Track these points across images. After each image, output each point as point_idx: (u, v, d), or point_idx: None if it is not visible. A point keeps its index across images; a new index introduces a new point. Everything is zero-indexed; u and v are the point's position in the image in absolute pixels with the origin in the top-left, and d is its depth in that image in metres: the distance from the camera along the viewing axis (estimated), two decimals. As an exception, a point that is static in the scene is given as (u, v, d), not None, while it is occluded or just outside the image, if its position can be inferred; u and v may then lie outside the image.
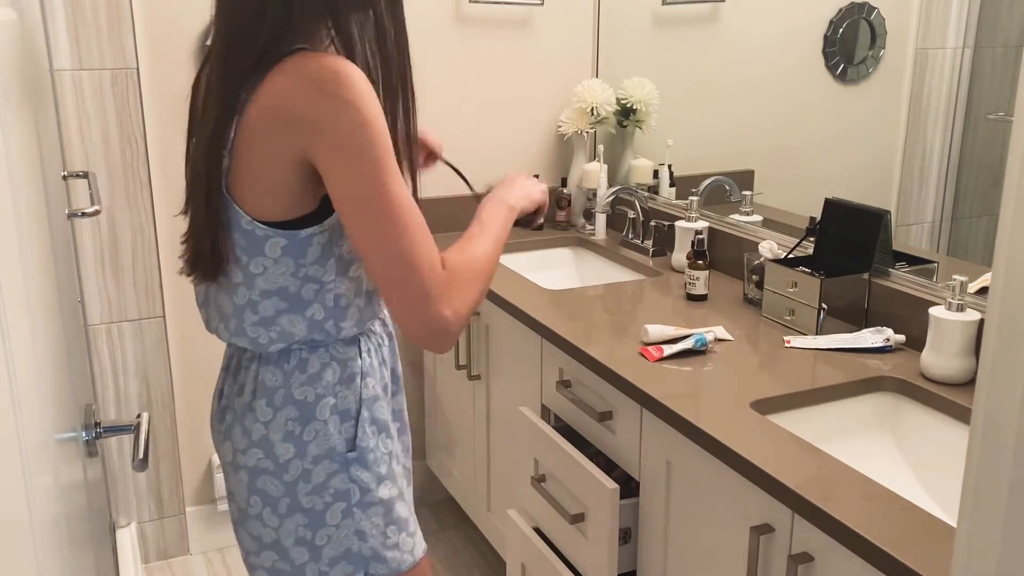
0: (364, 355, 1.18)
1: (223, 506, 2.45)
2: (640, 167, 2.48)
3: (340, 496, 1.15)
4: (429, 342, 1.07)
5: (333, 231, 1.09)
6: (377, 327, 1.22)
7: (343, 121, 0.99)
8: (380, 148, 1.00)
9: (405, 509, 1.22)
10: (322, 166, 1.01)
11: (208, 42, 1.15)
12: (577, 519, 1.61)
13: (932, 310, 1.50)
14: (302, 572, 1.17)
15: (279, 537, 1.16)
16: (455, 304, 1.06)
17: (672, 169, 2.40)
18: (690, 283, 1.94)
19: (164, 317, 2.31)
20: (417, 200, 1.09)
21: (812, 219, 1.85)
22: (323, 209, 1.08)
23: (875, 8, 1.81)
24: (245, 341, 1.14)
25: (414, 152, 1.15)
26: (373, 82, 1.05)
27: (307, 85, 0.99)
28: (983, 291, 1.56)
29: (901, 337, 1.63)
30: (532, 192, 1.33)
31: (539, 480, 1.75)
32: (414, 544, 1.22)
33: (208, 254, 1.14)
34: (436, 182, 2.46)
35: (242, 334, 1.14)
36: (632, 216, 2.35)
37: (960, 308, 1.47)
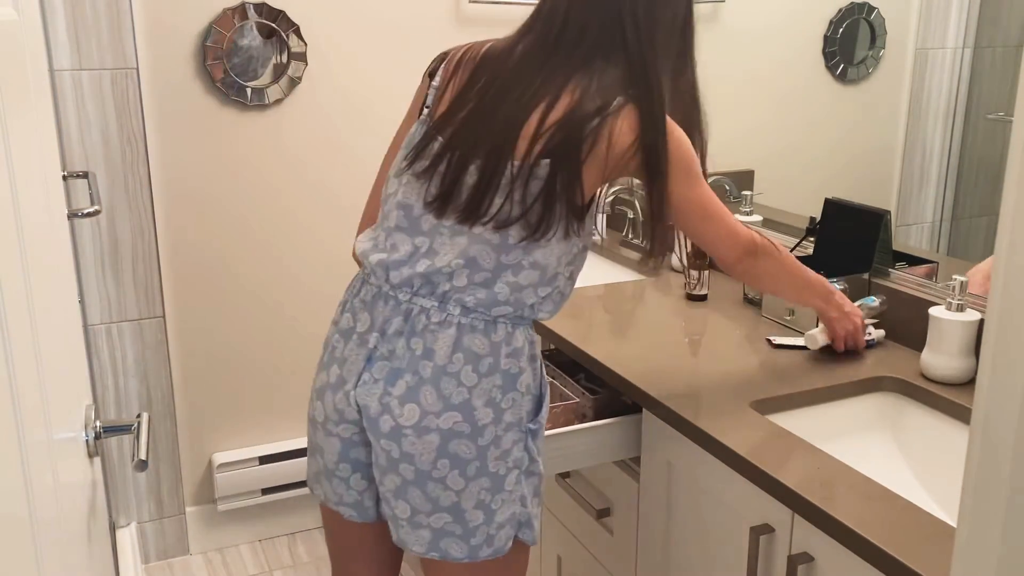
0: (537, 341, 1.33)
1: (223, 506, 2.45)
2: (640, 167, 2.48)
3: (517, 463, 1.26)
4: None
5: (587, 229, 1.26)
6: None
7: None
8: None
9: (543, 485, 1.33)
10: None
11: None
12: (603, 514, 1.61)
13: (932, 310, 1.50)
14: (473, 533, 1.24)
15: (460, 500, 1.23)
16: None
17: (672, 169, 2.40)
18: (690, 283, 1.94)
19: (164, 317, 2.31)
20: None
21: (812, 219, 1.85)
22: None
23: (875, 8, 1.81)
24: (471, 300, 1.22)
25: None
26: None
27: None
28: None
29: (881, 332, 1.63)
30: (855, 317, 1.56)
31: (563, 476, 1.75)
32: (538, 516, 1.33)
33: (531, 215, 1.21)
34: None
35: (477, 289, 1.22)
36: (632, 216, 2.35)
37: (960, 308, 1.47)
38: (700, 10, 2.32)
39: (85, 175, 1.86)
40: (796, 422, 1.44)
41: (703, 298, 1.94)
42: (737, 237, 1.34)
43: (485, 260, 1.22)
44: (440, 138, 1.25)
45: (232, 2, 2.21)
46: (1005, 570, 0.54)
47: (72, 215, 1.68)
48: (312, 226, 2.42)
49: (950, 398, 1.43)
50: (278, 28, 2.25)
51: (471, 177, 1.21)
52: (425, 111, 1.31)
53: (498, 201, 1.20)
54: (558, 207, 1.20)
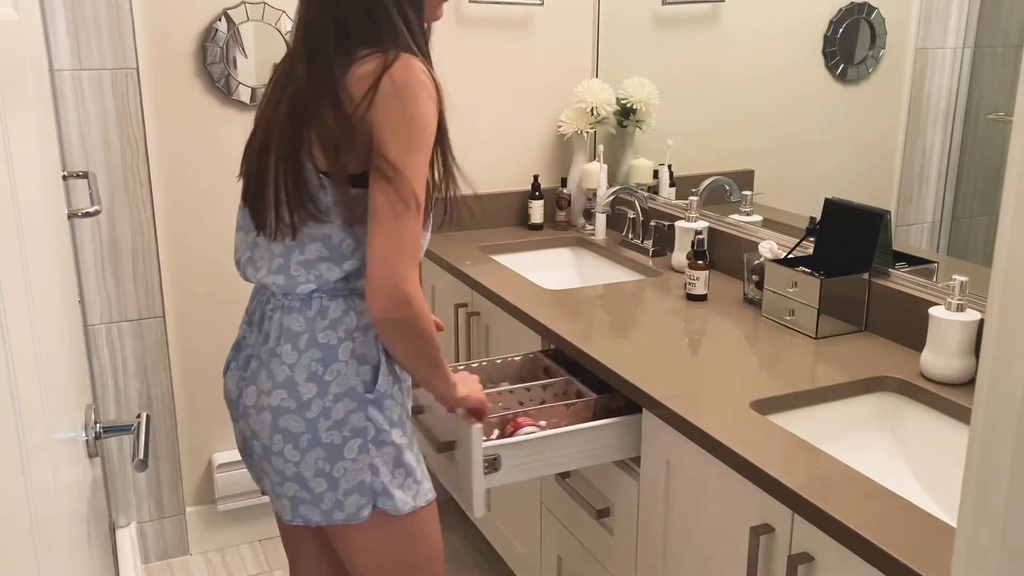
0: None
1: (223, 506, 2.45)
2: (640, 167, 2.48)
3: (357, 432, 1.27)
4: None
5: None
6: None
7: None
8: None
9: (412, 458, 1.33)
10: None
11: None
12: (603, 514, 1.61)
13: (932, 310, 1.50)
14: (320, 499, 1.28)
15: (300, 470, 1.27)
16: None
17: (672, 169, 2.40)
18: (690, 283, 1.94)
19: (164, 317, 2.31)
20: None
21: (812, 219, 1.85)
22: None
23: (875, 8, 1.81)
24: (282, 279, 1.27)
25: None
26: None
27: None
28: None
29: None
30: (475, 391, 1.42)
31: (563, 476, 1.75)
32: (418, 491, 1.33)
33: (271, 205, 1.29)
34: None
35: (283, 271, 1.27)
36: (632, 216, 2.35)
37: (960, 308, 1.47)
38: (700, 10, 2.32)
39: (85, 175, 1.86)
40: (796, 422, 1.43)
41: (703, 298, 1.94)
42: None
43: (273, 245, 1.30)
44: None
45: (232, 2, 2.20)
46: (1005, 570, 0.54)
47: (72, 215, 1.68)
48: (312, 226, 2.42)
49: (950, 398, 1.43)
50: (278, 28, 2.25)
51: None
52: None
53: None
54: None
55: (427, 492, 1.36)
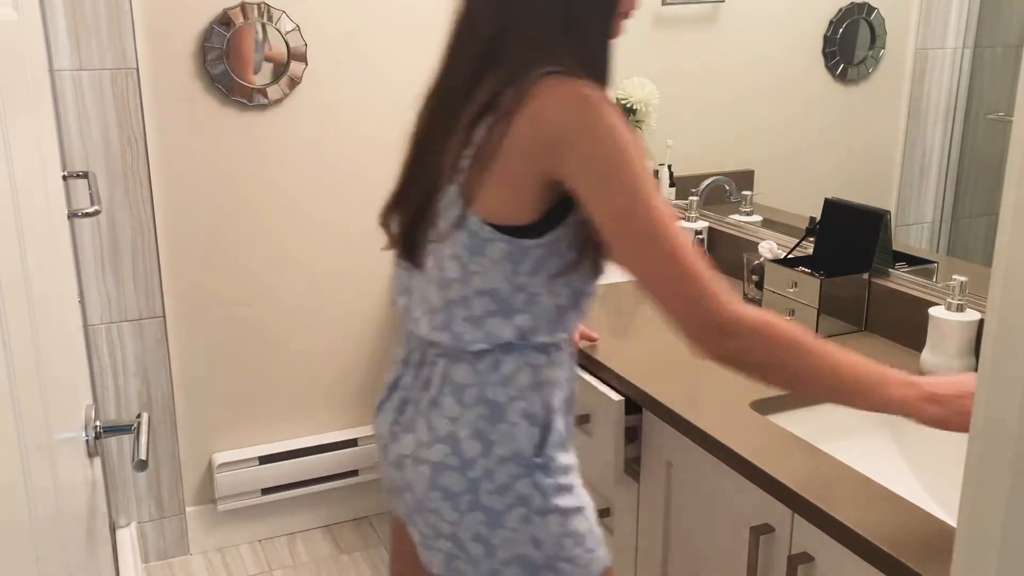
0: (556, 366, 1.18)
1: (223, 506, 2.45)
2: (640, 167, 2.48)
3: (521, 501, 1.14)
4: (702, 339, 1.04)
5: (550, 247, 1.10)
6: (565, 343, 1.20)
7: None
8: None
9: (584, 523, 1.17)
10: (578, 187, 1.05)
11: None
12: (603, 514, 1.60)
13: (932, 310, 1.50)
14: (477, 563, 1.17)
15: (457, 531, 1.16)
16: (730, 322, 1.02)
17: (672, 169, 2.40)
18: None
19: (164, 317, 2.31)
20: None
21: (812, 219, 1.85)
22: (544, 223, 1.09)
23: (875, 8, 1.81)
24: (447, 336, 1.15)
25: None
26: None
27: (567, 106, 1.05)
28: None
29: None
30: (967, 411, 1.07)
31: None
32: (590, 560, 1.18)
33: (423, 243, 1.17)
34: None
35: (446, 329, 1.15)
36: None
37: (960, 308, 1.47)
38: (700, 10, 2.32)
39: (85, 175, 1.86)
40: (796, 422, 1.43)
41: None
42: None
43: (435, 298, 1.16)
44: None
45: (232, 2, 2.20)
46: (1005, 570, 0.54)
47: (72, 215, 1.68)
48: (312, 226, 2.42)
49: (950, 398, 1.42)
50: (278, 28, 2.25)
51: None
52: None
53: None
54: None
55: (600, 560, 1.19)
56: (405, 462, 1.20)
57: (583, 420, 1.65)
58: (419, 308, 1.19)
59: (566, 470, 1.17)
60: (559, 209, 1.09)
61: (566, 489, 1.16)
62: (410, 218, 1.18)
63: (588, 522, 1.18)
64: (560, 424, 1.17)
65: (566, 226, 1.10)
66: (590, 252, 1.13)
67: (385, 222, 1.24)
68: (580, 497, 1.18)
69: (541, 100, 1.04)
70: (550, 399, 1.16)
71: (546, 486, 1.14)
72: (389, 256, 2.67)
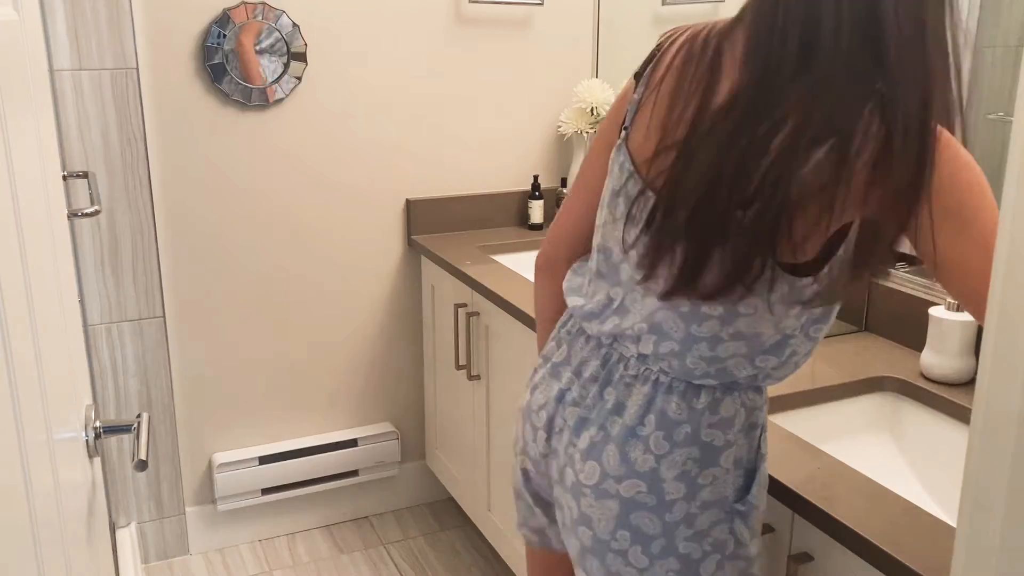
0: (764, 406, 1.10)
1: (223, 506, 2.45)
2: (640, 167, 2.48)
3: (718, 547, 1.07)
4: None
5: (821, 283, 0.97)
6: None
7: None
8: None
9: (758, 569, 1.13)
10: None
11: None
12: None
13: (932, 310, 1.50)
14: None
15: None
16: None
17: (672, 169, 2.40)
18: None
19: (164, 317, 2.31)
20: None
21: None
22: (818, 259, 0.97)
23: (875, 8, 1.81)
24: (676, 365, 1.04)
25: None
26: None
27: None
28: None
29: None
30: None
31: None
32: None
33: (717, 279, 0.96)
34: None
35: (676, 357, 1.04)
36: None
37: (960, 308, 1.47)
38: (700, 10, 2.32)
39: (85, 175, 1.86)
40: (796, 422, 1.43)
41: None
42: None
43: (673, 329, 1.03)
44: (651, 194, 1.02)
45: (232, 2, 2.20)
46: (1005, 570, 0.54)
47: (72, 215, 1.68)
48: (312, 226, 2.42)
49: (950, 398, 1.43)
50: (278, 28, 2.25)
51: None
52: (623, 132, 1.09)
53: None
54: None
55: None
56: (585, 491, 1.09)
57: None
58: (640, 329, 1.05)
59: (760, 515, 1.11)
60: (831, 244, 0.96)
61: (756, 535, 1.11)
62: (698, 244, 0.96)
63: (760, 565, 1.14)
64: (765, 470, 1.11)
65: (836, 261, 0.97)
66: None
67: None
68: (760, 540, 1.14)
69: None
70: (760, 443, 1.10)
71: (743, 533, 1.08)
72: (389, 256, 2.67)
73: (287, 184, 2.37)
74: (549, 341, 1.22)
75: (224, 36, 2.20)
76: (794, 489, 1.16)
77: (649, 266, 1.01)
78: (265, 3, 2.22)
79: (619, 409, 1.07)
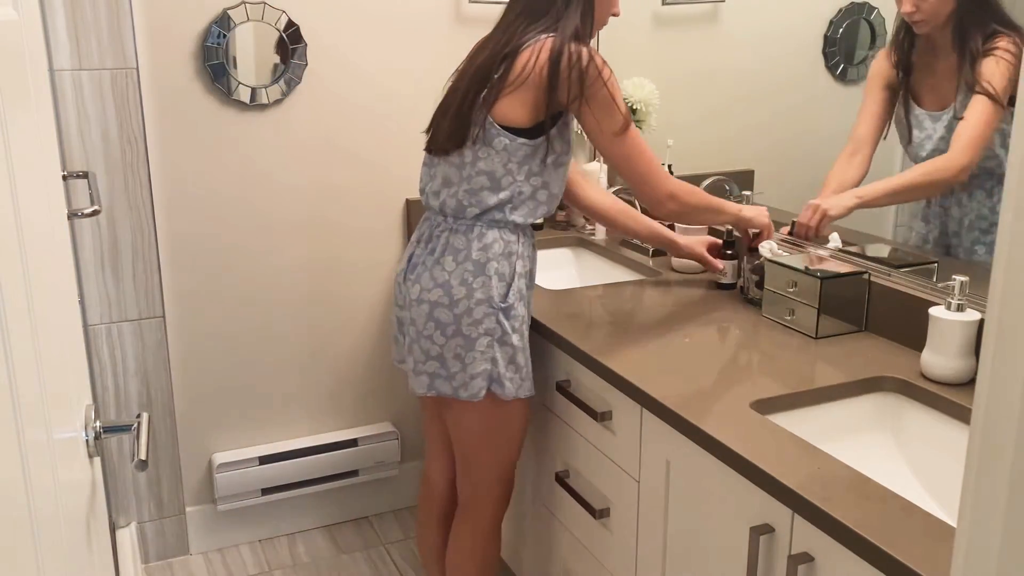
0: (521, 242, 1.69)
1: (223, 506, 2.45)
2: (640, 167, 2.48)
3: (488, 332, 1.64)
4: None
5: (536, 148, 1.62)
6: (529, 229, 1.72)
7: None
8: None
9: (523, 359, 1.69)
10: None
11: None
12: (603, 514, 1.61)
13: (932, 310, 1.50)
14: (453, 378, 1.66)
15: (443, 351, 1.65)
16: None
17: (672, 169, 2.40)
18: (722, 274, 1.98)
19: (164, 317, 2.31)
20: None
21: (812, 219, 1.85)
22: (535, 130, 1.61)
23: (875, 8, 1.81)
24: (453, 204, 1.66)
25: None
26: None
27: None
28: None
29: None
30: (761, 214, 1.88)
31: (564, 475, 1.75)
32: (521, 385, 1.69)
33: (453, 137, 1.65)
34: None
35: (454, 197, 1.65)
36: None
37: (960, 308, 1.47)
38: (700, 10, 2.33)
39: (85, 175, 1.86)
40: (796, 422, 1.44)
41: (732, 286, 1.94)
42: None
43: (452, 176, 1.66)
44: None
45: (232, 2, 2.20)
46: (1005, 570, 0.54)
47: (72, 215, 1.68)
48: (312, 225, 2.42)
49: (950, 398, 1.43)
50: (277, 28, 2.25)
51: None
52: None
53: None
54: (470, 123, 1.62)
55: (528, 388, 1.70)
56: (412, 304, 1.68)
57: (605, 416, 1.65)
58: (439, 186, 1.68)
59: (520, 318, 1.68)
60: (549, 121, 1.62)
61: (517, 332, 1.67)
62: (451, 116, 1.65)
63: (526, 359, 1.70)
64: (521, 284, 1.68)
65: (550, 135, 1.63)
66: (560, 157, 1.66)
67: (431, 125, 1.72)
68: (524, 340, 1.69)
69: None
70: (516, 265, 1.67)
71: (505, 325, 1.65)
72: (389, 256, 2.68)
73: (287, 183, 2.37)
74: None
75: (224, 36, 2.20)
76: (794, 489, 1.16)
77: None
78: (265, 3, 2.22)
79: (432, 251, 1.69)
